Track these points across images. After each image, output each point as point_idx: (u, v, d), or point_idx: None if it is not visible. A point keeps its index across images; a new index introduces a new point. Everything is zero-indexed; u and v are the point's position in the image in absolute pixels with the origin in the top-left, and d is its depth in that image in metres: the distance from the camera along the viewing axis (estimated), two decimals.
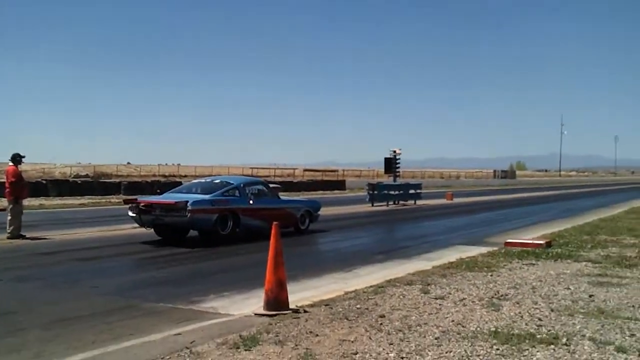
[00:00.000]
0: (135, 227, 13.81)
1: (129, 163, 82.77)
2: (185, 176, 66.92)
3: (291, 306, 6.52)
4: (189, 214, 12.23)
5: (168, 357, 4.89)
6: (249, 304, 6.95)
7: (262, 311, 6.40)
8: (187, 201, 12.36)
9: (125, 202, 14.18)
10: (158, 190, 36.89)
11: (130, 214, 13.34)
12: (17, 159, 13.92)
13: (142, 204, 13.05)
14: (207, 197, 13.17)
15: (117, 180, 45.08)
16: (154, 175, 66.66)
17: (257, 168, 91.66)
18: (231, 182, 14.29)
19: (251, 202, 13.80)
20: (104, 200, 29.02)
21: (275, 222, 6.68)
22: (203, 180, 15.66)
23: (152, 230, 13.46)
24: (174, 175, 68.86)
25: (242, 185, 14.12)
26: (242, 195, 13.75)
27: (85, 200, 29.21)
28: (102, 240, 13.57)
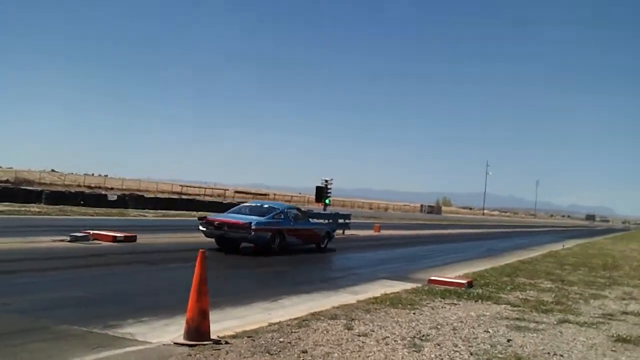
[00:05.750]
0: (54, 240, 13.52)
1: (53, 170, 79.95)
2: (112, 188, 65.24)
3: (213, 336, 6.35)
4: (253, 232, 15.83)
5: None
6: (169, 332, 6.73)
7: (182, 340, 6.21)
8: (251, 222, 15.95)
9: (200, 218, 17.40)
10: (82, 202, 35.92)
11: (201, 227, 16.82)
12: None
13: (215, 222, 16.49)
14: (263, 219, 16.57)
15: (40, 188, 43.41)
16: (79, 186, 64.71)
17: (188, 186, 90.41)
18: (277, 207, 18.24)
19: (291, 224, 17.55)
20: (23, 209, 27.74)
21: (201, 250, 6.53)
22: (253, 204, 19.10)
23: (214, 240, 16.91)
24: (100, 187, 67.00)
25: (285, 210, 18.19)
26: (285, 218, 17.48)
27: (2, 207, 27.84)
28: (17, 252, 12.91)
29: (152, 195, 50.94)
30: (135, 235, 17.04)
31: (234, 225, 16.18)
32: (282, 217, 17.39)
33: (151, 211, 37.68)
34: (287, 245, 17.25)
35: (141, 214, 34.40)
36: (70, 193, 39.06)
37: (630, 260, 24.97)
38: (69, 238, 15.17)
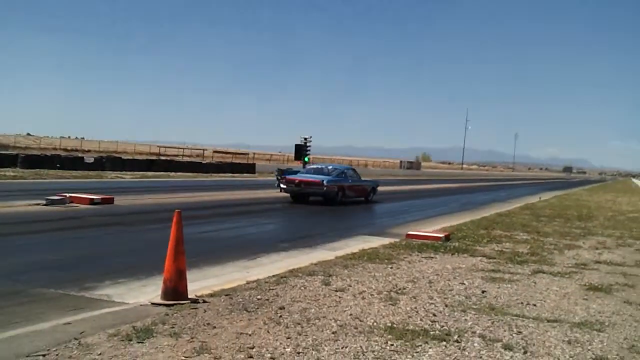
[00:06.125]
0: (30, 204, 13.57)
1: (28, 134, 78.75)
2: (89, 151, 64.48)
3: (190, 295, 6.37)
4: (325, 188, 20.97)
5: (54, 349, 4.64)
6: (146, 292, 6.74)
7: (159, 300, 6.22)
8: (323, 180, 21.08)
9: (279, 178, 23.99)
10: (58, 165, 35.47)
11: (282, 185, 22.68)
12: None
13: (295, 180, 21.57)
14: (330, 177, 21.71)
15: (15, 152, 42.74)
16: (55, 149, 63.79)
17: (166, 147, 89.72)
18: (339, 168, 24.08)
19: (350, 181, 22.73)
20: None
21: (177, 210, 6.49)
22: (320, 166, 24.48)
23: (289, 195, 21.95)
24: (77, 150, 66.16)
25: (345, 170, 23.82)
26: (345, 176, 22.72)
27: None
28: None
29: (129, 157, 50.40)
30: (113, 198, 16.93)
31: (310, 183, 21.33)
32: (343, 176, 22.67)
33: (129, 173, 37.38)
34: (347, 197, 22.23)
35: (119, 175, 34.11)
36: (46, 156, 38.48)
37: (604, 210, 25.41)
38: (45, 202, 15.04)
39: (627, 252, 12.12)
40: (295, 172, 28.76)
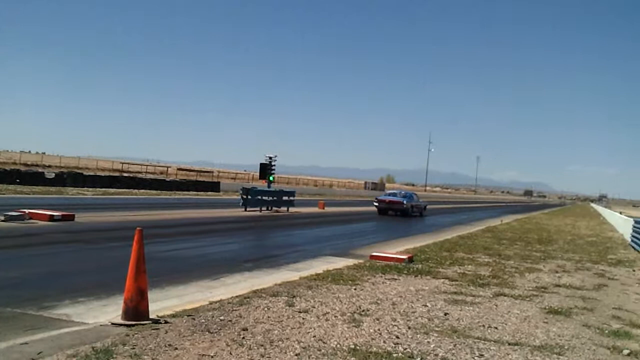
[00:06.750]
0: None
1: None
2: (50, 166, 63.25)
3: (152, 316, 6.27)
4: (404, 205, 33.22)
5: None
6: (107, 312, 6.62)
7: (119, 320, 6.11)
8: (403, 200, 33.67)
9: (376, 199, 35.25)
10: (17, 180, 34.72)
11: (375, 204, 34.55)
12: None
13: (386, 200, 33.96)
14: (406, 199, 34.18)
15: None
16: (15, 163, 62.42)
17: (129, 163, 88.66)
18: (408, 193, 37.06)
19: (414, 201, 34.77)
20: None
21: (139, 228, 6.38)
22: (397, 191, 39.70)
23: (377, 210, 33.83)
24: (37, 165, 64.84)
25: (412, 194, 36.46)
26: (412, 198, 34.92)
27: None
28: None
29: (91, 173, 49.58)
30: (74, 214, 16.64)
31: (395, 202, 34.04)
32: (411, 198, 35.21)
33: (91, 189, 36.78)
34: (414, 212, 34.65)
35: (80, 192, 33.54)
36: (5, 171, 37.59)
37: (564, 234, 25.93)
38: (2, 217, 14.69)
39: (586, 276, 12.37)
40: (261, 191, 28.74)
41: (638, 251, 18.57)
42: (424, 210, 37.08)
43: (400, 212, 33.12)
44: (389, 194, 36.84)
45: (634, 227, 21.16)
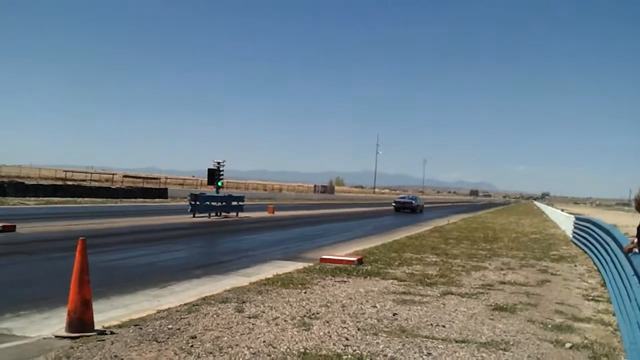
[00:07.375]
0: None
1: None
2: None
3: (97, 327, 6.14)
4: (413, 204, 51.31)
5: None
6: (50, 325, 6.45)
7: (63, 333, 5.96)
8: (412, 201, 52.91)
9: (394, 201, 53.80)
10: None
11: (393, 204, 52.77)
12: None
13: (401, 201, 52.44)
14: (414, 200, 53.96)
15: None
16: None
17: (73, 171, 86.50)
18: (414, 197, 58.84)
19: (418, 202, 53.58)
20: None
21: (82, 238, 6.23)
22: (407, 195, 67.76)
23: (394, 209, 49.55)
24: None
25: (416, 197, 58.34)
26: (417, 200, 54.81)
27: None
28: None
29: (34, 182, 48.14)
30: (15, 225, 16.15)
31: (407, 203, 51.60)
32: (417, 199, 53.82)
33: (33, 199, 35.74)
34: (419, 209, 51.18)
35: (22, 202, 32.55)
36: None
37: (509, 232, 26.56)
38: None
39: (530, 272, 12.70)
40: (209, 197, 28.46)
41: (579, 247, 19.17)
42: (423, 208, 54.28)
43: (410, 209, 49.66)
44: (402, 197, 55.94)
45: (575, 223, 21.83)
